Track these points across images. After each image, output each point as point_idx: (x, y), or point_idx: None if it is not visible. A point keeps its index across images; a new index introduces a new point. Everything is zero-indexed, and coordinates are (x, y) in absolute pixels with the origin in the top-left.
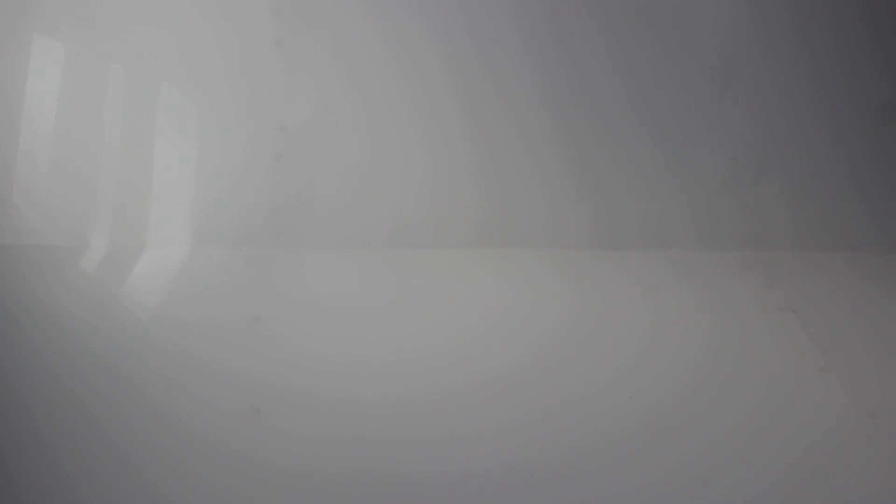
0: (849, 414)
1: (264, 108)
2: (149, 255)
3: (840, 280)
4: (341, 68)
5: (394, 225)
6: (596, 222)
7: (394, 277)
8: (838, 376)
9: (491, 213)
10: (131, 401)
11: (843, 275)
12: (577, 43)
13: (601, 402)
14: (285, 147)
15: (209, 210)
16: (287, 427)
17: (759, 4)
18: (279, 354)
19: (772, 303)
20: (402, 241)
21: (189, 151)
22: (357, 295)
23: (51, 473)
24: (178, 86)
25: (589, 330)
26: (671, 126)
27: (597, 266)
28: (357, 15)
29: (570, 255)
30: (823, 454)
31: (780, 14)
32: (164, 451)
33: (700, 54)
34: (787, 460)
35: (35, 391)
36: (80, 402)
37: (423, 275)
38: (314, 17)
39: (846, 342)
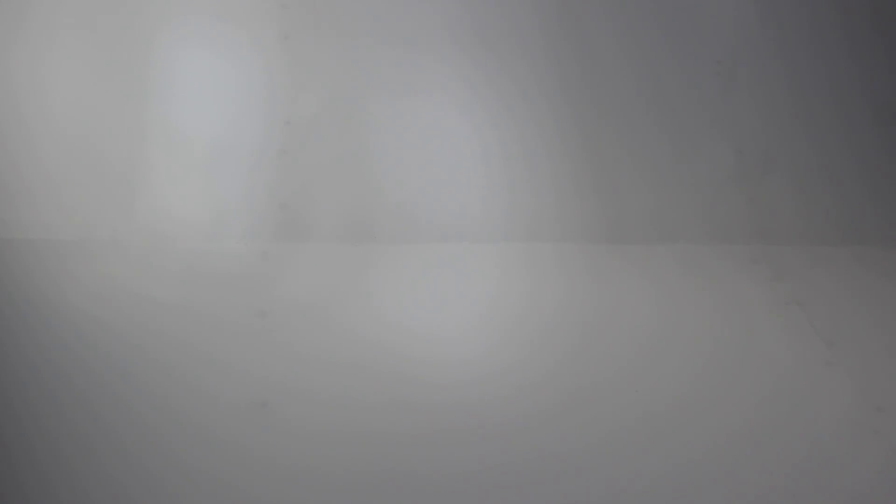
0: (855, 408)
1: (270, 102)
2: (154, 250)
3: (847, 274)
4: (348, 63)
5: (400, 219)
6: (603, 216)
7: (400, 272)
8: (845, 370)
9: (498, 206)
10: (136, 395)
11: (850, 269)
12: (584, 36)
13: (608, 397)
14: (291, 141)
15: (214, 204)
16: (293, 421)
17: None
18: (285, 349)
19: (778, 296)
20: (408, 236)
21: (194, 145)
22: (362, 289)
23: (56, 469)
24: (183, 79)
25: (596, 323)
26: (678, 119)
27: (604, 259)
28: (363, 9)
29: (577, 249)
30: (830, 448)
31: (787, 6)
32: (170, 445)
33: (706, 47)
34: (794, 455)
35: (40, 387)
36: (84, 397)
37: (429, 270)
38: (321, 12)
39: (853, 336)
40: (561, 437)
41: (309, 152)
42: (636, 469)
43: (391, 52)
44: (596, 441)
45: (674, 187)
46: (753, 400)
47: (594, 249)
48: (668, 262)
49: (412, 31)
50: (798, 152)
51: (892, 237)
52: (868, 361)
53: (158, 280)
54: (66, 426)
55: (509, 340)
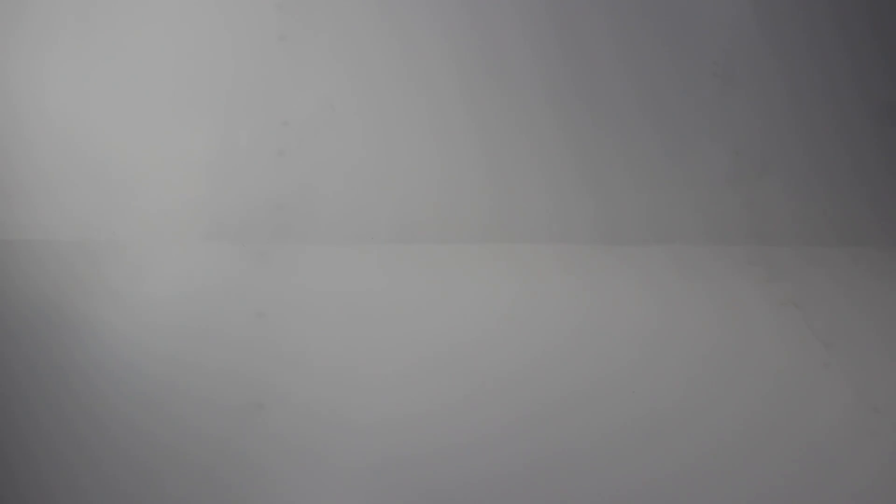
0: (852, 409)
1: (267, 103)
2: (151, 251)
3: (843, 275)
4: (345, 64)
5: (397, 220)
6: (600, 217)
7: (397, 273)
8: (841, 371)
9: (495, 207)
10: (133, 395)
11: (847, 270)
12: (580, 37)
13: (606, 399)
14: (288, 142)
15: (212, 205)
16: (290, 423)
17: None
18: (283, 350)
19: (775, 297)
20: (405, 237)
21: (192, 146)
22: (360, 290)
23: (54, 471)
24: (181, 80)
25: (593, 325)
26: (675, 120)
27: (600, 261)
28: (361, 10)
29: (574, 250)
30: (827, 450)
31: (783, 7)
32: (167, 446)
33: (703, 48)
34: (791, 456)
35: (38, 387)
36: (81, 397)
37: (426, 270)
38: (318, 12)
39: (849, 337)
40: (557, 439)
41: (307, 153)
42: (633, 471)
43: (388, 54)
44: (593, 443)
45: (670, 188)
46: (751, 401)
47: (590, 250)
48: (664, 264)
49: (409, 32)
50: (795, 153)
51: (888, 238)
52: (865, 362)
53: (156, 281)
54: (63, 426)
55: (506, 343)
